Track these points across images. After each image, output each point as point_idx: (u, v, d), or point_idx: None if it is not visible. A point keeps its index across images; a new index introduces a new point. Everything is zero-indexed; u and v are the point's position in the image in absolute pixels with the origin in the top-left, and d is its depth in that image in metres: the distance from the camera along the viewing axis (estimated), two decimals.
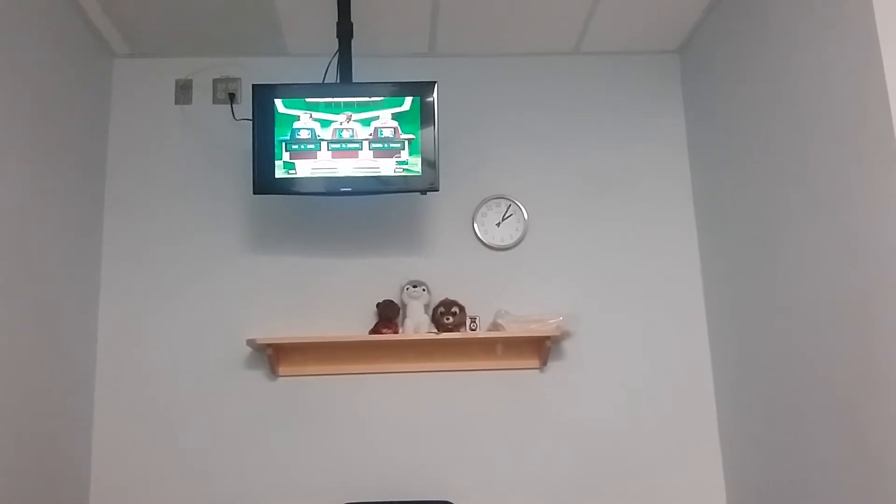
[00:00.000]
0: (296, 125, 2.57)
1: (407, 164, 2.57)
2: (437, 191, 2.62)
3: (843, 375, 2.02)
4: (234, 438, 2.76)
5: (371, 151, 2.57)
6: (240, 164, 2.91)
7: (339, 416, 2.79)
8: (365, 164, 2.57)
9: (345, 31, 2.67)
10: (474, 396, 2.83)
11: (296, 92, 2.59)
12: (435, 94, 2.59)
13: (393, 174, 2.57)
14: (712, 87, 2.82)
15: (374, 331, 2.77)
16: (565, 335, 2.80)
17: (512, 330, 2.73)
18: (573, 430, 2.81)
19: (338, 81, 2.67)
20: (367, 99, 2.58)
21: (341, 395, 2.80)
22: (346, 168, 2.57)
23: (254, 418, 2.78)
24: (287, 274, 2.88)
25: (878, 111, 1.84)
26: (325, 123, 2.58)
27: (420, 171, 2.57)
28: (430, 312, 2.80)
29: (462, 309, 2.78)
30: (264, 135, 2.57)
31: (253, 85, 2.62)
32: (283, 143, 2.56)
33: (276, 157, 2.56)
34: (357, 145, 2.57)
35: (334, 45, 2.68)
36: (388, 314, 2.78)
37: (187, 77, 3.00)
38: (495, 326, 2.77)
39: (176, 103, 2.98)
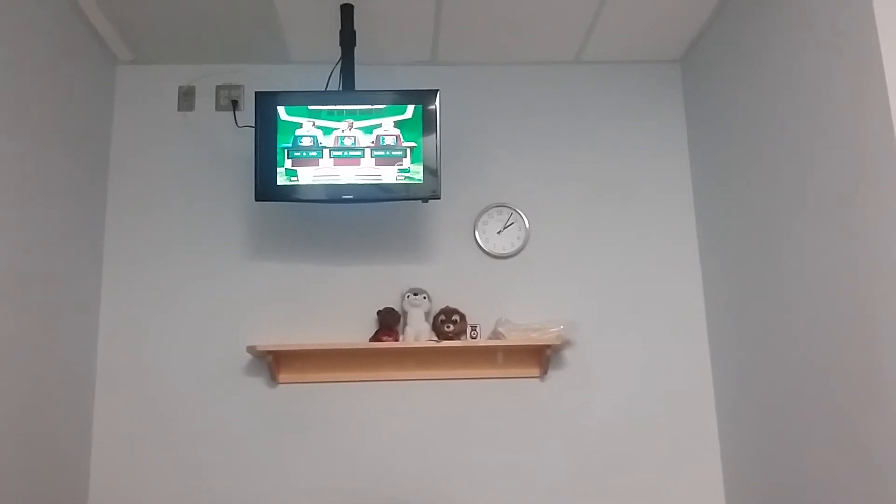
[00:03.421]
0: (298, 132, 2.58)
1: (409, 171, 2.58)
2: (439, 198, 2.62)
3: (844, 381, 2.02)
4: (233, 445, 2.76)
5: (373, 159, 2.57)
6: (242, 171, 2.91)
7: (340, 424, 2.79)
8: (367, 172, 2.57)
9: (347, 38, 2.68)
10: (474, 405, 2.82)
11: (298, 99, 2.60)
12: (437, 103, 2.60)
13: (394, 182, 2.58)
14: (714, 95, 2.82)
15: (375, 338, 2.77)
16: (566, 344, 2.79)
17: (512, 338, 2.72)
18: (573, 438, 2.81)
19: (340, 89, 2.68)
20: (369, 107, 2.59)
21: (341, 403, 2.80)
22: (347, 175, 2.57)
23: (254, 425, 2.77)
24: (288, 281, 2.88)
25: (879, 120, 1.84)
26: (327, 131, 2.58)
27: (422, 178, 2.58)
28: (431, 320, 2.79)
29: (463, 317, 2.78)
30: (266, 142, 2.58)
31: (256, 92, 2.63)
32: (286, 151, 2.57)
33: (278, 164, 2.56)
34: (359, 153, 2.58)
35: (337, 52, 2.69)
36: (389, 322, 2.78)
37: (190, 84, 3.00)
38: (496, 335, 2.77)
39: (179, 110, 2.99)
